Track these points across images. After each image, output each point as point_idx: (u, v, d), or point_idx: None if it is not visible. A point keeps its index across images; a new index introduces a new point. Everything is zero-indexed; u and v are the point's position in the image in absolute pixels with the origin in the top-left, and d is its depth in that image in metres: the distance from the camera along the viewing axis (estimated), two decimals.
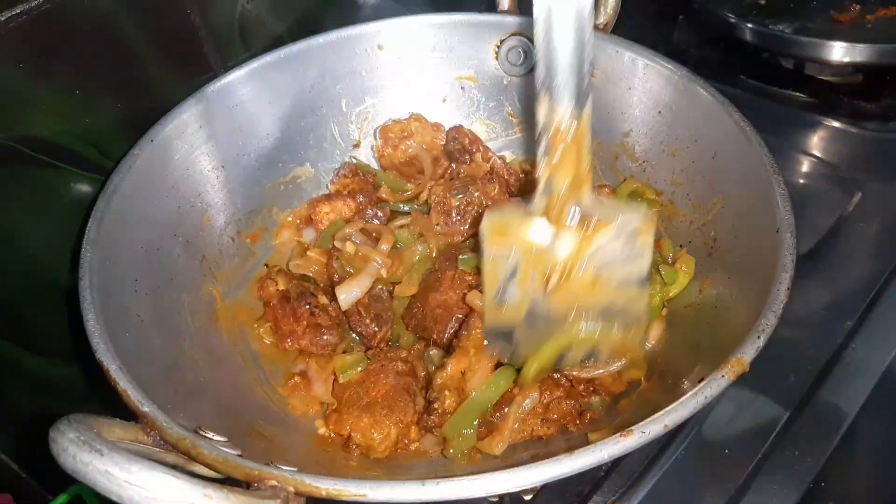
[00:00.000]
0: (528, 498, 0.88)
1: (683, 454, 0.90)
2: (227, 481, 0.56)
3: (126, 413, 0.64)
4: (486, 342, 0.85)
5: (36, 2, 0.83)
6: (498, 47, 1.12)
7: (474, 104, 1.18)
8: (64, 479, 0.51)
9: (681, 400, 0.61)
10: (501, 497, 0.85)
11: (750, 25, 1.42)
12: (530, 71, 1.12)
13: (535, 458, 0.58)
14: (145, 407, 0.64)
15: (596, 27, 1.06)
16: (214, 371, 0.91)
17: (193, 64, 1.06)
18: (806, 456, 0.89)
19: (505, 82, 1.15)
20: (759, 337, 0.66)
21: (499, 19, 1.11)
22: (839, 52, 1.33)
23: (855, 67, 1.40)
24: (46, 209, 0.95)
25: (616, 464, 0.90)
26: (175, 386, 0.80)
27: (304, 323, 0.95)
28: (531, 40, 1.08)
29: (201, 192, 1.02)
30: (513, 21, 1.11)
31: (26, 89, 0.87)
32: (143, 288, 0.86)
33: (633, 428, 0.59)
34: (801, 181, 1.28)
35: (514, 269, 0.76)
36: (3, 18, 0.82)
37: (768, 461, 0.88)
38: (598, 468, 0.87)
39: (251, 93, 1.06)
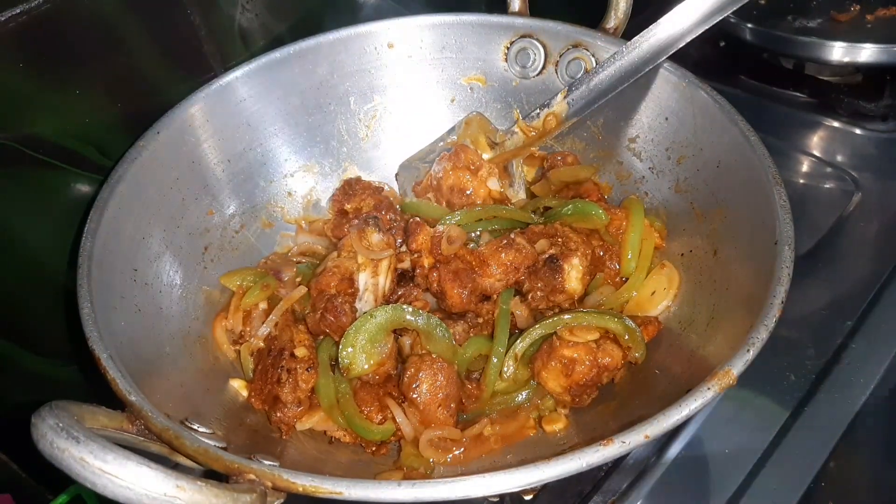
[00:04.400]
0: (528, 498, 0.88)
1: (683, 454, 0.90)
2: (211, 474, 0.56)
3: (116, 403, 0.65)
4: None
5: (36, 2, 0.84)
6: (507, 49, 1.12)
7: (482, 106, 1.18)
8: (64, 479, 0.51)
9: (664, 410, 0.61)
10: (502, 497, 0.85)
11: (750, 25, 1.42)
12: (539, 73, 1.12)
13: (521, 463, 0.58)
14: (132, 396, 0.64)
15: (606, 31, 1.06)
16: (210, 364, 0.91)
17: (193, 64, 1.06)
18: (806, 456, 0.89)
19: (514, 84, 1.15)
20: (748, 350, 0.65)
21: (509, 21, 1.11)
22: (839, 52, 1.33)
23: (855, 67, 1.40)
24: (46, 209, 0.96)
25: (616, 464, 0.90)
26: (168, 377, 0.80)
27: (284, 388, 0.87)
28: (541, 42, 1.10)
29: (206, 184, 1.02)
30: (523, 23, 1.10)
31: (26, 89, 0.88)
32: (142, 279, 0.86)
33: (613, 437, 0.58)
34: (801, 181, 1.29)
35: None
36: (3, 18, 0.82)
37: (768, 461, 0.88)
38: (598, 468, 0.87)
39: (259, 88, 1.06)
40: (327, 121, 1.15)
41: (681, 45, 0.93)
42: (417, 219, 0.98)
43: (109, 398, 0.65)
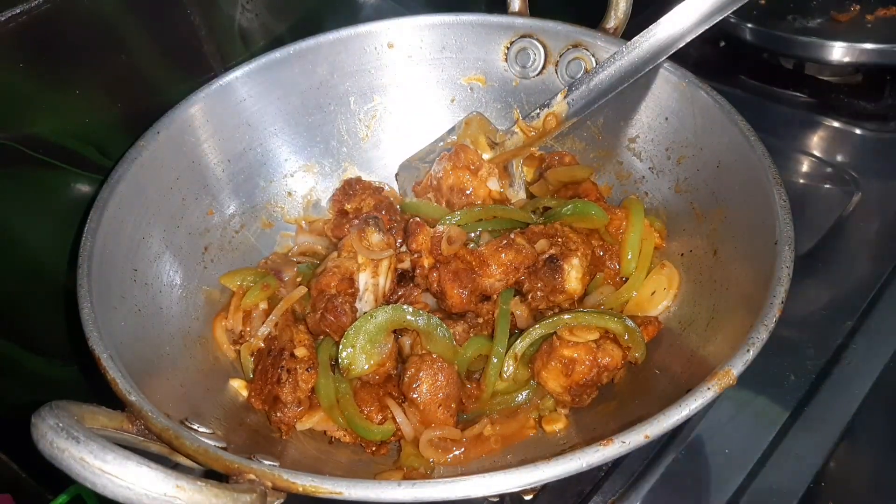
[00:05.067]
0: (528, 498, 0.88)
1: (683, 454, 0.90)
2: (211, 474, 0.56)
3: (116, 403, 0.65)
4: None
5: (36, 2, 0.84)
6: (507, 49, 1.12)
7: (482, 106, 1.18)
8: (64, 479, 0.51)
9: (664, 410, 0.61)
10: (502, 497, 0.85)
11: (750, 25, 1.42)
12: (539, 73, 1.12)
13: (521, 463, 0.58)
14: (132, 396, 0.64)
15: (606, 31, 1.06)
16: (210, 364, 0.91)
17: (193, 64, 1.06)
18: (806, 456, 0.89)
19: (514, 84, 1.15)
20: (748, 350, 0.65)
21: (509, 20, 1.11)
22: (839, 52, 1.33)
23: (855, 67, 1.40)
24: (46, 209, 0.96)
25: (616, 464, 0.90)
26: (168, 377, 0.80)
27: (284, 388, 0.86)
28: (541, 42, 1.10)
29: (206, 184, 1.02)
30: (523, 23, 1.10)
31: (26, 89, 0.88)
32: (142, 279, 0.86)
33: (613, 437, 0.58)
34: (801, 181, 1.28)
35: None
36: (3, 18, 0.82)
37: (768, 461, 0.88)
38: (597, 468, 0.87)
39: (259, 88, 1.06)
40: (327, 121, 1.15)
41: (681, 45, 0.93)
42: (417, 219, 0.98)
43: (109, 398, 0.65)
